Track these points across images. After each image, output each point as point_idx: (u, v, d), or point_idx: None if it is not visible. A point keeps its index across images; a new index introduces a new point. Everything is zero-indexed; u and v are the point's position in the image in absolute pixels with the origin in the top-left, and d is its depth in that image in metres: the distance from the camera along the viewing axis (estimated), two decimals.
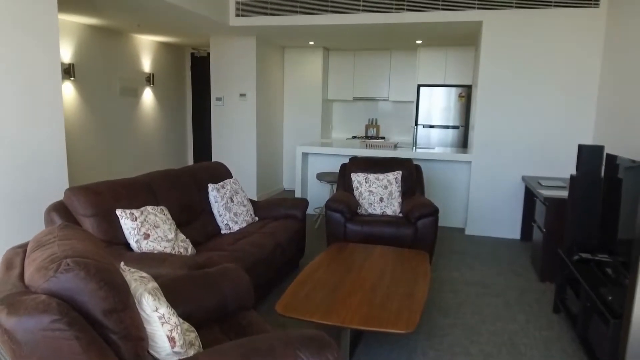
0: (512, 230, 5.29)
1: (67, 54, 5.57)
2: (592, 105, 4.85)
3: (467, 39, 6.25)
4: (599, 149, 3.17)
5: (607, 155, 3.11)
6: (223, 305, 2.15)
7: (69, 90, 5.63)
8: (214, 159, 6.95)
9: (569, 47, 4.81)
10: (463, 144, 6.82)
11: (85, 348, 1.25)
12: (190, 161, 8.45)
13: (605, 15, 4.67)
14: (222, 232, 3.69)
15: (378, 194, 4.33)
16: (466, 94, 6.72)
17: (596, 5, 4.66)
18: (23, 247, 1.70)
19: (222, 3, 5.51)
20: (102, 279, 1.33)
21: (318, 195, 6.21)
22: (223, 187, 3.78)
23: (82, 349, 1.24)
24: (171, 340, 1.55)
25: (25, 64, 3.18)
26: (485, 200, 5.31)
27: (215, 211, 3.70)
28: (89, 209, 2.65)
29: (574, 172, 4.90)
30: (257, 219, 4.02)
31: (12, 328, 1.23)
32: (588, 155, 3.18)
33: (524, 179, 4.92)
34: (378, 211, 4.31)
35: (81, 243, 1.52)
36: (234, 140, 6.78)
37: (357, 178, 4.43)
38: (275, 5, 5.53)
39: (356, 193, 4.41)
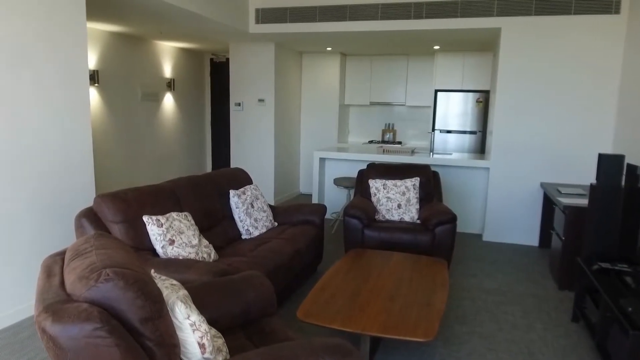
0: (530, 236, 5.28)
1: (91, 60, 5.73)
2: (612, 113, 4.82)
3: (485, 45, 6.25)
4: (620, 158, 3.17)
5: (628, 165, 3.11)
6: (247, 311, 2.22)
7: (92, 96, 5.78)
8: (232, 163, 7.05)
9: (588, 53, 4.79)
10: (480, 149, 6.81)
11: (124, 354, 1.32)
12: (208, 165, 8.58)
13: (626, 22, 4.64)
14: (243, 237, 3.77)
15: (396, 201, 4.37)
16: (484, 99, 6.71)
17: (617, 11, 4.63)
18: (61, 255, 1.79)
19: (242, 11, 5.61)
20: (140, 289, 1.41)
21: (335, 200, 6.26)
22: (244, 193, 3.86)
23: (121, 356, 1.31)
24: (201, 346, 1.62)
25: (54, 74, 3.30)
26: (503, 206, 5.30)
27: (236, 217, 3.78)
28: (118, 215, 2.74)
29: (593, 179, 4.87)
30: (276, 224, 4.09)
31: (56, 335, 1.31)
32: (608, 164, 3.18)
33: (542, 185, 4.91)
34: (396, 217, 4.35)
35: (117, 252, 1.60)
36: (252, 144, 6.88)
37: (374, 184, 4.48)
38: (294, 13, 5.61)
39: (374, 199, 4.45)
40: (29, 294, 3.26)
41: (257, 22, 5.78)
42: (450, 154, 6.09)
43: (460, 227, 5.75)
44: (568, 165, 5.02)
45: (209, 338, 1.65)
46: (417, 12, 5.18)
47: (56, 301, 1.40)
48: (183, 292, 1.76)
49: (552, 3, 4.78)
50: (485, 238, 5.42)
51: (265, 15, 5.73)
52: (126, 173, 6.48)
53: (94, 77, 5.75)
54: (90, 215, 2.77)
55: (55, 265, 1.70)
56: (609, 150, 4.88)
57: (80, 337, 1.29)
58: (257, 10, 5.75)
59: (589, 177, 4.96)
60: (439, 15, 5.11)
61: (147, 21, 5.23)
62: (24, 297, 3.23)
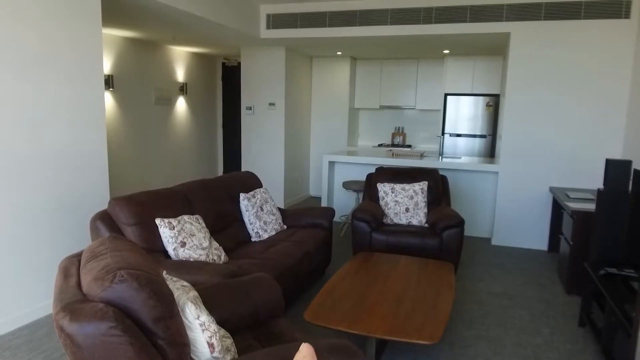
0: (539, 241, 5.27)
1: (106, 65, 5.85)
2: (622, 117, 4.81)
3: (495, 49, 6.26)
4: (627, 164, 3.18)
5: (635, 170, 3.11)
6: (255, 312, 2.28)
7: (107, 101, 5.91)
8: (243, 167, 7.14)
9: (598, 58, 4.79)
10: (490, 153, 6.82)
11: (137, 352, 1.39)
12: (220, 168, 8.68)
13: (636, 26, 4.63)
14: (253, 239, 3.84)
15: (404, 204, 4.40)
16: (494, 103, 6.71)
17: (627, 16, 4.63)
18: (77, 257, 1.87)
19: (254, 17, 5.70)
20: (152, 290, 1.48)
21: (344, 203, 6.31)
22: (254, 197, 3.93)
23: (134, 353, 1.38)
24: (210, 346, 1.68)
25: (70, 79, 3.40)
26: (512, 210, 5.31)
27: (246, 219, 3.85)
28: (132, 218, 2.83)
29: (602, 183, 4.86)
30: (285, 227, 4.16)
31: (73, 333, 1.38)
32: (615, 170, 3.19)
33: (551, 190, 4.91)
34: (404, 221, 4.39)
35: (131, 254, 1.67)
36: (263, 148, 6.96)
37: (383, 188, 4.52)
38: (305, 18, 5.68)
39: (382, 203, 4.49)
40: (46, 293, 3.36)
41: (268, 27, 5.86)
42: (460, 157, 6.11)
43: (469, 231, 5.76)
44: (578, 170, 5.02)
45: (217, 338, 1.71)
46: (427, 17, 5.22)
47: (73, 301, 1.47)
48: (193, 293, 1.83)
49: (562, 8, 4.79)
50: (494, 242, 5.43)
51: (276, 21, 5.82)
52: (140, 175, 6.60)
53: (108, 82, 5.88)
54: (104, 218, 2.85)
55: (72, 266, 1.78)
56: (618, 155, 4.86)
57: (96, 335, 1.36)
58: (268, 16, 5.84)
59: (599, 181, 4.95)
60: (448, 20, 5.14)
61: (161, 27, 5.34)
62: (41, 296, 3.33)
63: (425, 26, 5.24)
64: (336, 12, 5.55)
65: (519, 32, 4.99)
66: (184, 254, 2.92)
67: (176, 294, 1.74)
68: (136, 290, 1.45)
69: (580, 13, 4.74)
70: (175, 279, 1.91)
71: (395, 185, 4.50)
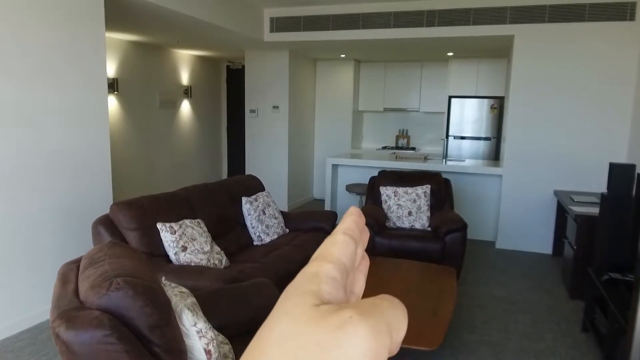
0: (543, 244, 5.24)
1: (111, 69, 5.89)
2: (627, 121, 4.77)
3: (499, 51, 6.24)
4: (631, 168, 3.15)
5: (639, 175, 3.08)
6: (255, 318, 2.28)
7: (112, 104, 5.94)
8: (247, 169, 7.16)
9: (603, 61, 4.76)
10: (495, 155, 6.78)
11: None
12: (224, 170, 8.70)
13: None
14: (255, 243, 3.84)
15: (407, 208, 4.39)
16: (498, 105, 6.68)
17: (632, 18, 4.59)
18: (76, 263, 1.88)
19: (257, 20, 5.71)
20: (148, 297, 1.48)
21: (347, 206, 6.29)
22: (256, 200, 3.94)
23: None
24: (207, 352, 1.68)
25: (74, 83, 3.43)
26: (516, 213, 5.28)
27: (248, 223, 3.86)
28: (133, 223, 2.84)
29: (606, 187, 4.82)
30: (287, 230, 4.16)
31: (69, 340, 1.39)
32: (619, 174, 3.17)
33: (556, 193, 4.88)
34: (407, 225, 4.38)
35: (129, 261, 1.68)
36: (267, 150, 6.98)
37: (385, 192, 4.51)
38: (308, 21, 5.69)
39: (385, 206, 4.49)
40: (49, 297, 3.38)
41: (272, 30, 5.88)
42: (464, 160, 6.08)
43: (473, 234, 5.73)
44: (582, 173, 4.98)
45: (215, 345, 1.72)
46: (430, 20, 5.20)
47: (70, 308, 1.48)
48: (191, 299, 1.83)
49: (566, 10, 4.76)
50: (498, 245, 5.40)
51: (280, 24, 5.83)
52: (144, 179, 6.63)
53: (113, 85, 5.91)
54: (106, 223, 2.87)
55: (70, 272, 1.79)
56: (623, 159, 4.82)
57: (92, 343, 1.37)
58: (271, 19, 5.85)
59: (604, 184, 4.91)
60: (452, 23, 5.12)
61: (165, 31, 5.37)
62: (44, 300, 3.35)
63: (429, 29, 5.23)
64: (339, 15, 5.55)
65: (523, 34, 4.96)
66: (185, 258, 2.93)
67: (174, 300, 1.75)
68: (132, 298, 1.45)
69: (584, 15, 4.71)
70: (174, 285, 1.91)
71: (398, 189, 4.49)
